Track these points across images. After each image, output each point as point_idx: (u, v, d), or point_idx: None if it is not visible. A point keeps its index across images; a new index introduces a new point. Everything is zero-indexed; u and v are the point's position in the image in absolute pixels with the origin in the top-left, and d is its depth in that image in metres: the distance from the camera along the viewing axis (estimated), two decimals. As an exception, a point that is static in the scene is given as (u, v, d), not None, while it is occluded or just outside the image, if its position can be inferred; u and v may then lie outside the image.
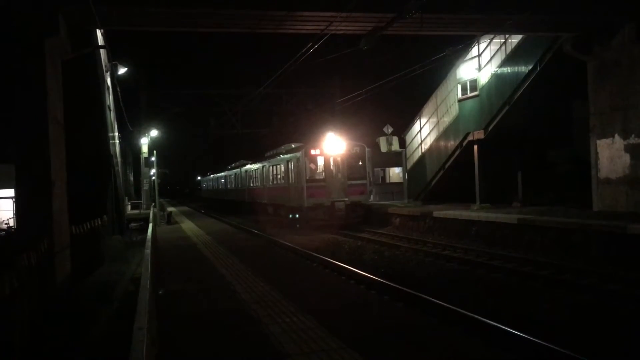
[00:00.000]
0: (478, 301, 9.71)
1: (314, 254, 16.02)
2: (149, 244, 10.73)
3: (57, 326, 9.36)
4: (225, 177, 52.25)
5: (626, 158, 16.90)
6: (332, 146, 25.31)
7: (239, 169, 43.30)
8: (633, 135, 16.64)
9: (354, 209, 25.12)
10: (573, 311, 9.00)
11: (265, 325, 6.84)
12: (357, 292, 10.48)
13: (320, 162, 25.70)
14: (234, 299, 8.61)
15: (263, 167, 33.70)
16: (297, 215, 26.14)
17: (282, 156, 29.16)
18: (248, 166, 39.27)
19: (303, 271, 12.98)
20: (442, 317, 8.72)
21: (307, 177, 25.03)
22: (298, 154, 25.81)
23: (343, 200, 24.64)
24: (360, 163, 26.21)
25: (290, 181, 27.17)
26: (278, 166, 29.91)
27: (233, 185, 46.23)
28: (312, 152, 25.37)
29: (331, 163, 25.47)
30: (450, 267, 14.18)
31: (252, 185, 37.83)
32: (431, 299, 9.43)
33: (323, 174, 25.47)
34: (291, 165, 26.89)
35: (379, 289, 10.95)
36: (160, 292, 7.19)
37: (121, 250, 17.95)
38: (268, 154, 33.99)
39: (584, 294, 10.29)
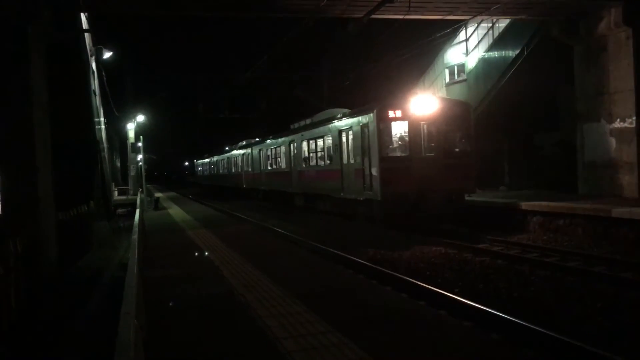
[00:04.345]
0: None
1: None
2: (136, 229, 10.67)
3: (44, 312, 9.35)
4: (228, 159, 44.65)
5: (611, 142, 17.06)
6: (422, 105, 16.79)
7: (248, 149, 35.94)
8: (618, 120, 16.79)
9: (452, 202, 16.74)
10: None
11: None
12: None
13: (402, 129, 17.28)
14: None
15: (291, 143, 25.63)
16: (359, 211, 18.32)
17: (329, 125, 20.65)
18: (265, 143, 31.21)
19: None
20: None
21: (383, 154, 16.47)
22: (365, 119, 17.19)
23: (439, 190, 16.27)
24: (462, 132, 17.59)
25: (345, 160, 18.99)
26: (320, 140, 21.78)
27: (240, 169, 39.09)
28: (391, 113, 16.59)
29: (421, 131, 16.95)
30: None
31: (270, 168, 30.23)
32: None
33: (407, 148, 16.96)
34: (348, 137, 18.72)
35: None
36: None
37: (108, 236, 17.89)
38: (296, 125, 25.99)
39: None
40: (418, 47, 21.41)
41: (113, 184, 31.13)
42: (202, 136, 79.41)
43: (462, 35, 24.29)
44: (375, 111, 16.57)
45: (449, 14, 17.81)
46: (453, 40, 24.73)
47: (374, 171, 16.48)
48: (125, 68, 40.15)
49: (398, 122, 16.94)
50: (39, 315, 9.15)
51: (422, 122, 16.81)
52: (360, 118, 17.61)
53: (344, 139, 19.06)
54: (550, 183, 20.77)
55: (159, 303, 7.47)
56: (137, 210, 16.35)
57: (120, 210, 26.66)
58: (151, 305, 6.90)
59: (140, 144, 35.54)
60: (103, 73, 25.16)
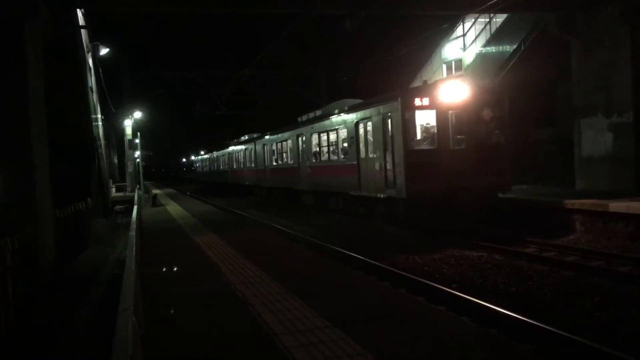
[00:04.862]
0: None
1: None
2: (133, 226, 10.67)
3: (42, 310, 9.34)
4: (228, 155, 43.12)
5: (609, 137, 17.06)
6: (452, 92, 15.21)
7: (251, 144, 34.43)
8: (616, 114, 16.79)
9: (485, 200, 15.13)
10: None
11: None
12: None
13: (429, 119, 15.64)
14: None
15: (299, 136, 23.98)
16: (379, 210, 16.89)
17: (343, 116, 18.95)
18: (269, 137, 29.78)
19: None
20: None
21: (408, 147, 14.91)
22: (387, 108, 15.67)
23: (470, 187, 14.72)
24: (496, 122, 15.98)
25: (363, 154, 17.44)
26: (333, 133, 20.15)
27: (242, 165, 37.93)
28: (417, 101, 14.96)
29: (450, 121, 15.37)
30: None
31: (275, 164, 28.73)
32: None
33: (435, 140, 15.35)
34: (366, 128, 17.14)
35: None
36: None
37: (106, 233, 17.85)
38: (304, 118, 24.28)
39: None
40: (416, 43, 21.39)
41: (110, 180, 31.07)
42: (200, 133, 79.38)
43: (459, 31, 24.28)
44: (400, 99, 14.89)
45: (443, 10, 17.79)
46: (450, 36, 24.71)
47: (398, 166, 14.97)
48: (122, 64, 40.06)
49: (425, 111, 15.26)
50: (37, 313, 9.13)
51: (451, 111, 15.27)
52: (381, 107, 16.01)
53: (361, 130, 17.54)
54: (547, 178, 20.79)
55: (158, 300, 7.47)
56: (135, 207, 16.33)
57: (117, 207, 26.59)
58: (151, 303, 6.89)
59: (137, 141, 35.50)
60: (100, 69, 25.10)
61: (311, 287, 7.75)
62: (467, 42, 23.95)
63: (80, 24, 17.46)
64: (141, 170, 35.15)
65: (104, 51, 21.76)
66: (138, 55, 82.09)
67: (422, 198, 14.51)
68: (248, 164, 35.62)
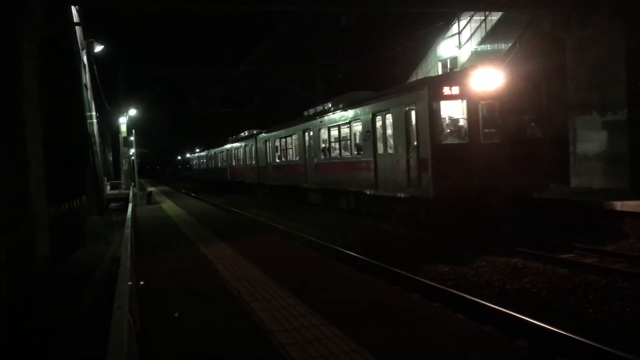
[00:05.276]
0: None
1: None
2: (128, 223, 10.63)
3: (38, 307, 9.31)
4: (227, 152, 41.83)
5: (603, 135, 17.11)
6: (484, 80, 13.81)
7: (251, 140, 32.87)
8: (610, 112, 16.83)
9: (520, 201, 13.82)
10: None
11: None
12: None
13: (458, 111, 14.36)
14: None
15: (305, 131, 22.65)
16: (400, 211, 15.34)
17: (358, 108, 17.53)
18: (272, 133, 28.26)
19: None
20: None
21: (436, 141, 13.47)
22: (411, 98, 14.23)
23: (504, 186, 13.24)
24: (532, 114, 14.90)
25: (381, 150, 16.06)
26: (345, 127, 18.76)
27: (242, 162, 36.56)
28: (446, 91, 13.55)
29: (481, 113, 13.96)
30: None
31: (279, 160, 27.32)
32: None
33: (466, 134, 13.97)
34: (385, 121, 15.81)
35: None
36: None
37: (101, 231, 17.82)
38: (312, 111, 23.00)
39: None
40: (411, 40, 21.40)
41: (105, 178, 31.02)
42: (196, 130, 79.25)
43: (454, 29, 24.31)
44: (427, 88, 13.53)
45: (439, 7, 17.79)
46: (446, 34, 24.74)
47: (424, 163, 13.49)
48: (117, 62, 39.95)
49: (454, 101, 13.97)
50: (32, 310, 9.10)
51: (483, 102, 13.92)
52: (404, 98, 14.64)
53: (378, 124, 16.13)
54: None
55: (150, 296, 7.45)
56: (130, 205, 16.29)
57: (112, 205, 26.57)
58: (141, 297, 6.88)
59: (132, 138, 35.41)
60: (94, 66, 25.02)
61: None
62: (462, 40, 23.98)
63: (75, 20, 17.37)
64: (136, 168, 35.06)
65: (98, 48, 21.70)
66: (133, 53, 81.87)
67: (451, 198, 13.06)
68: (248, 161, 34.35)
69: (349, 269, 9.40)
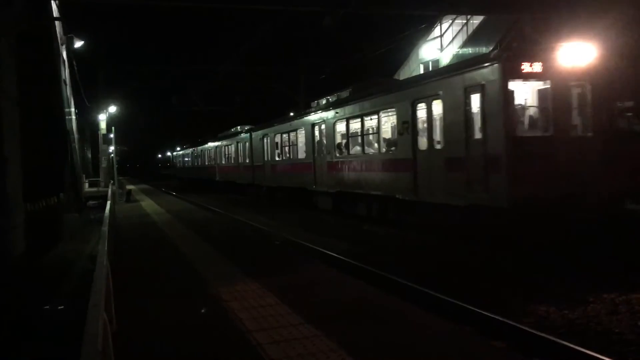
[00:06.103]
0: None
1: None
2: (106, 221, 10.56)
3: (10, 304, 9.18)
4: (216, 149, 38.93)
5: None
6: (574, 56, 10.91)
7: (245, 136, 30.01)
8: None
9: (617, 209, 10.93)
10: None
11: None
12: None
13: (537, 94, 11.71)
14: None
15: (315, 126, 19.82)
16: (452, 221, 12.30)
17: (390, 95, 14.79)
18: (272, 127, 25.22)
19: None
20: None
21: (512, 133, 10.65)
22: (474, 77, 11.26)
23: (597, 191, 10.52)
24: (634, 102, 11.90)
25: (424, 146, 13.32)
26: (372, 119, 16.17)
27: (233, 160, 33.73)
28: (526, 67, 10.58)
29: (571, 98, 11.32)
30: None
31: (279, 158, 24.40)
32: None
33: (551, 124, 11.09)
34: (430, 109, 12.92)
35: None
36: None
37: (79, 228, 17.65)
38: (324, 101, 20.32)
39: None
40: (393, 42, 21.49)
41: (84, 175, 30.67)
42: (177, 128, 78.78)
43: (437, 31, 24.48)
44: (501, 62, 10.53)
45: (421, 9, 17.87)
46: (428, 36, 24.90)
47: (495, 161, 10.65)
48: (98, 58, 39.53)
49: (535, 82, 11.21)
50: (7, 306, 8.98)
51: (572, 84, 11.16)
52: (464, 77, 11.52)
53: (421, 113, 13.39)
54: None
55: (125, 294, 7.41)
56: (108, 203, 16.16)
57: (91, 203, 26.29)
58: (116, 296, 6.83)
59: (112, 135, 35.07)
60: (74, 62, 24.73)
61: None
62: (444, 43, 24.16)
63: (55, 15, 17.17)
64: (115, 166, 34.70)
65: (78, 44, 21.46)
66: (114, 49, 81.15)
67: (531, 207, 10.13)
68: (241, 159, 31.23)
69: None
